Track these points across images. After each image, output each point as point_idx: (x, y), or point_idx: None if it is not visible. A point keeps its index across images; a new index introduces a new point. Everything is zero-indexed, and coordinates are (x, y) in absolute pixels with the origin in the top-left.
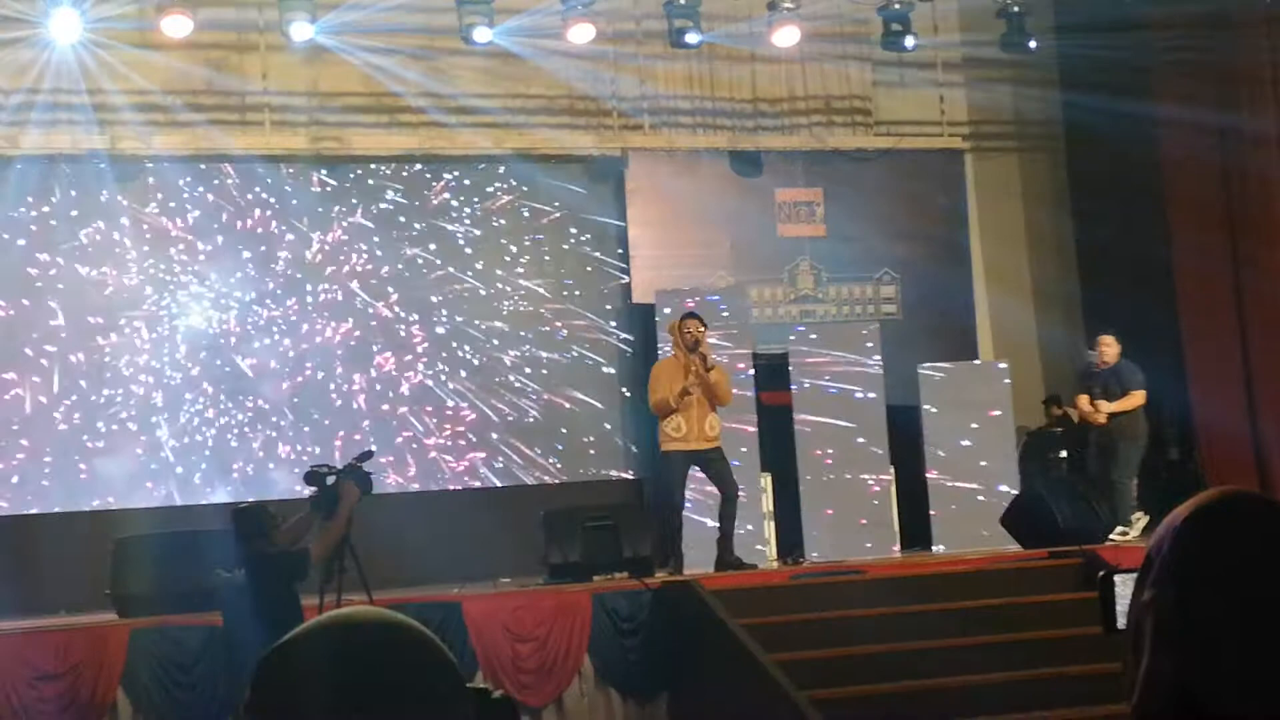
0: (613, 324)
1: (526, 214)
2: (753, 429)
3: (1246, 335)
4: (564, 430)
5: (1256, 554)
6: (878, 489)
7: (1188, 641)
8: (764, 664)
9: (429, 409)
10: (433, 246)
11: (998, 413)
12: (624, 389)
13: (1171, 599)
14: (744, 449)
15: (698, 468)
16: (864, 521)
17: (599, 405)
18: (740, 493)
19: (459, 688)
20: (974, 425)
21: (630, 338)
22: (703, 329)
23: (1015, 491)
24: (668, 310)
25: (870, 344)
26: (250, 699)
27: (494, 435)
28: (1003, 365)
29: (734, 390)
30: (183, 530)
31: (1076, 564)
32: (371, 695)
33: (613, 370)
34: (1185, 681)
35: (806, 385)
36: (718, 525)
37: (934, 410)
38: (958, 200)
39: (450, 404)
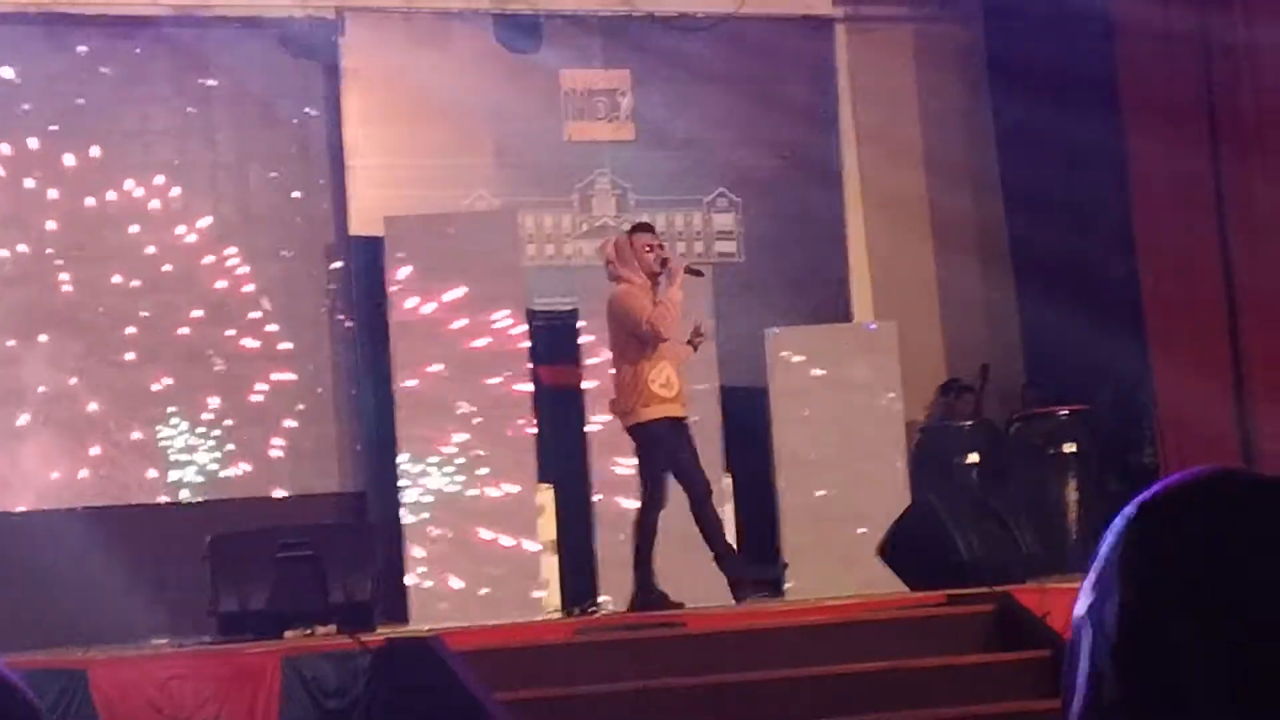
0: (320, 267)
1: (188, 107)
2: (526, 421)
3: (1235, 294)
4: (246, 422)
5: (1231, 548)
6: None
7: (1135, 664)
8: None
9: (42, 391)
10: (34, 149)
11: (880, 397)
12: (337, 359)
13: (1116, 606)
14: (507, 448)
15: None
16: (685, 554)
17: (298, 384)
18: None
19: None
20: (845, 414)
21: (341, 287)
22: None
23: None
24: (405, 243)
25: (698, 296)
26: None
27: (137, 431)
28: (886, 329)
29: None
30: None
31: (986, 611)
32: None
33: (321, 333)
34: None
35: (604, 357)
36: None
37: (787, 393)
38: (825, 92)
39: (72, 383)
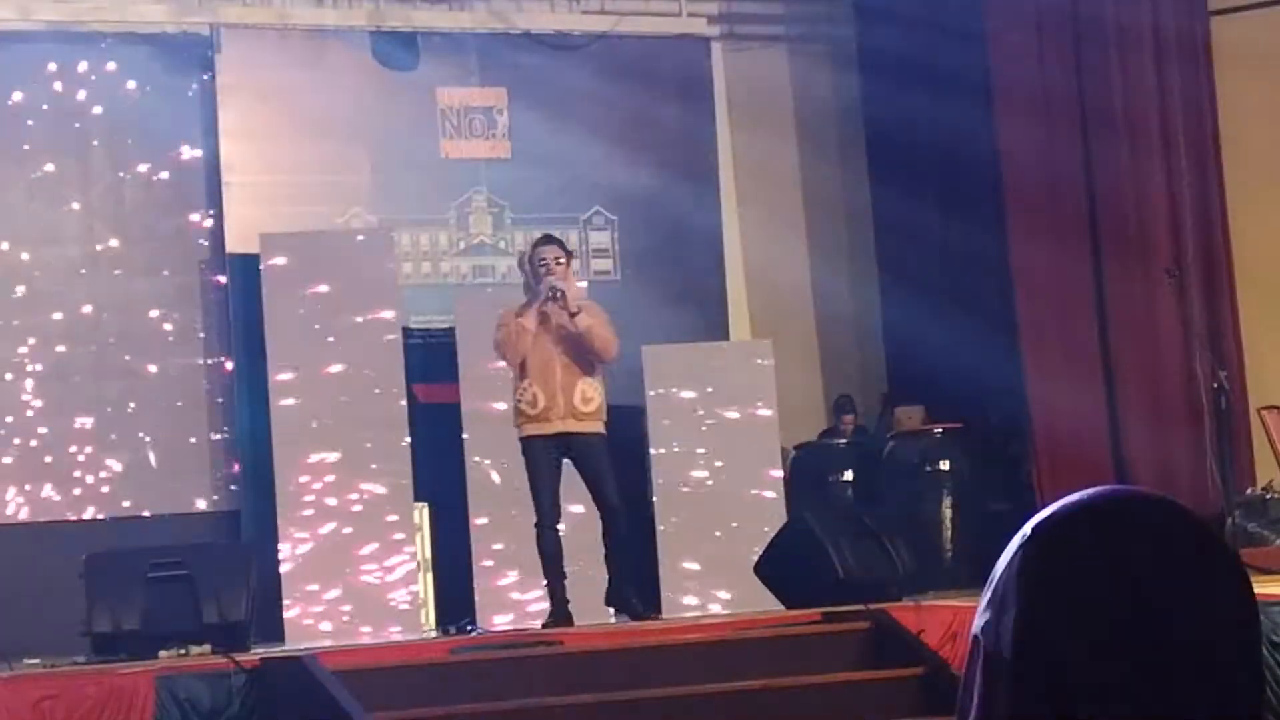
0: (196, 283)
1: (61, 122)
2: (402, 439)
3: (1107, 308)
4: (121, 440)
5: (1116, 568)
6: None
7: (1025, 678)
8: None
9: None
10: None
11: (757, 414)
12: (213, 376)
13: (1010, 624)
14: (383, 466)
15: (570, 460)
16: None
17: (173, 401)
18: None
19: None
20: (722, 432)
21: (217, 303)
22: (563, 260)
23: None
24: (281, 261)
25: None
26: None
27: (8, 449)
28: (763, 346)
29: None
30: None
31: (862, 629)
32: None
33: (196, 352)
34: None
35: (481, 375)
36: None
37: (665, 411)
38: (702, 110)
39: None
